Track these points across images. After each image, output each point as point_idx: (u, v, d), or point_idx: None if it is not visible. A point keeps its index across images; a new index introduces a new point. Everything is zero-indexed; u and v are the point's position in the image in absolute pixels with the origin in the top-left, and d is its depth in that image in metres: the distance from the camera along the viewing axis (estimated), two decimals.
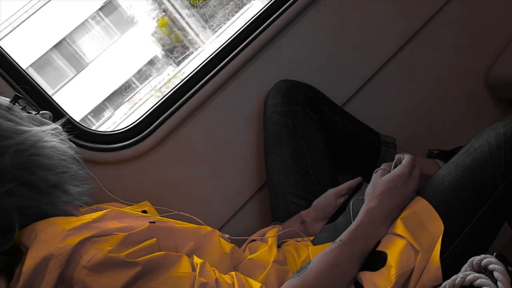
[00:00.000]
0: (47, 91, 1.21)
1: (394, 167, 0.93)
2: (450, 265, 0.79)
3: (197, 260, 0.79)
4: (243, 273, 0.84)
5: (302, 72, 1.37)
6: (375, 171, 0.95)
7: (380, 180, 0.90)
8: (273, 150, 1.23)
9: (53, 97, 1.21)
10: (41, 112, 0.87)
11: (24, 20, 9.64)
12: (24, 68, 1.18)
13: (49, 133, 0.80)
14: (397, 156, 0.96)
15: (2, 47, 1.16)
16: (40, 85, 1.20)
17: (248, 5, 10.24)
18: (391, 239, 0.85)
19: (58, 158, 0.79)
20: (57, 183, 0.78)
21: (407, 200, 0.89)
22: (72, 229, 0.70)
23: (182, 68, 10.31)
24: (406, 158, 0.92)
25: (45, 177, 0.76)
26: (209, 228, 0.93)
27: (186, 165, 1.32)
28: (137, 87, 10.86)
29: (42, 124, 0.83)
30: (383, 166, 0.95)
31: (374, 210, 0.87)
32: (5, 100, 0.82)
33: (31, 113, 0.86)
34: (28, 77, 1.17)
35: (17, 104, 0.84)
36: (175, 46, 10.86)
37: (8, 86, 1.12)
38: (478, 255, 0.71)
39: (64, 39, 10.25)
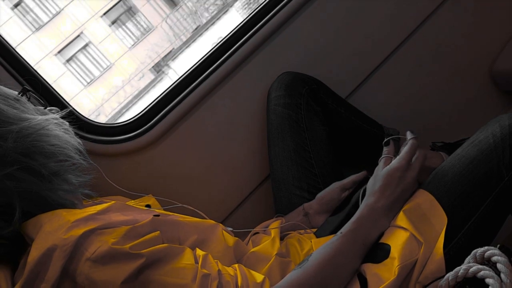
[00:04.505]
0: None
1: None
2: (453, 257, 0.79)
3: (199, 252, 0.79)
4: (246, 266, 0.84)
5: (306, 64, 1.36)
6: (379, 159, 0.95)
7: (379, 174, 0.90)
8: (276, 142, 1.23)
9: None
10: (48, 108, 0.88)
11: None
12: None
13: (52, 123, 0.81)
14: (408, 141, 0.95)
15: (7, 40, 1.17)
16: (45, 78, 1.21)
17: None
18: (394, 231, 0.85)
19: (60, 146, 0.79)
20: (58, 171, 0.78)
21: (408, 191, 0.89)
22: (76, 220, 0.70)
23: None
24: (405, 148, 0.92)
25: (46, 164, 0.76)
26: (212, 222, 0.93)
27: (189, 158, 1.32)
28: None
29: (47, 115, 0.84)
30: (385, 152, 0.95)
31: (374, 204, 0.87)
32: (14, 92, 0.83)
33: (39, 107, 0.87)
34: (33, 70, 1.18)
35: (25, 96, 0.85)
36: None
37: (16, 82, 1.12)
38: (482, 247, 0.71)
39: None
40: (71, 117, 0.88)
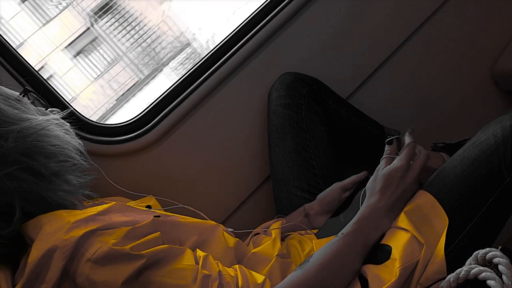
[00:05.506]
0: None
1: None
2: (455, 259, 0.79)
3: (200, 253, 0.79)
4: (247, 267, 0.84)
5: (307, 64, 1.36)
6: (381, 158, 0.94)
7: (379, 174, 0.90)
8: (277, 143, 1.23)
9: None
10: (49, 109, 0.88)
11: None
12: None
13: (53, 123, 0.81)
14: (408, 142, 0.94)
15: (8, 41, 1.17)
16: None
17: None
18: (395, 232, 0.85)
19: (61, 146, 0.79)
20: (58, 171, 0.78)
21: (409, 192, 0.89)
22: (77, 221, 0.70)
23: None
24: (405, 150, 0.92)
25: (46, 164, 0.76)
26: (212, 222, 0.93)
27: (190, 158, 1.32)
28: None
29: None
30: (387, 151, 0.94)
31: (375, 205, 0.87)
32: (15, 93, 0.83)
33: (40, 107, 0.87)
34: (34, 71, 1.18)
35: (26, 97, 0.85)
36: None
37: (17, 82, 1.13)
38: (483, 248, 0.71)
39: None
40: (72, 118, 0.88)
